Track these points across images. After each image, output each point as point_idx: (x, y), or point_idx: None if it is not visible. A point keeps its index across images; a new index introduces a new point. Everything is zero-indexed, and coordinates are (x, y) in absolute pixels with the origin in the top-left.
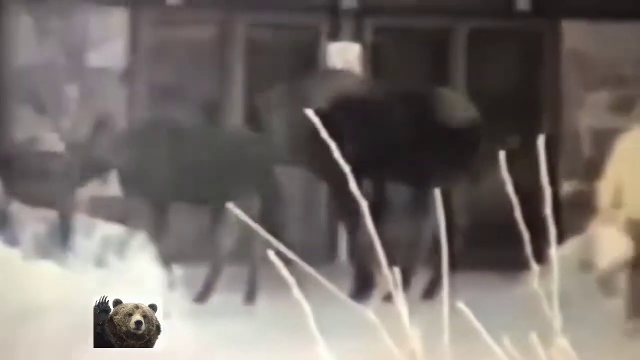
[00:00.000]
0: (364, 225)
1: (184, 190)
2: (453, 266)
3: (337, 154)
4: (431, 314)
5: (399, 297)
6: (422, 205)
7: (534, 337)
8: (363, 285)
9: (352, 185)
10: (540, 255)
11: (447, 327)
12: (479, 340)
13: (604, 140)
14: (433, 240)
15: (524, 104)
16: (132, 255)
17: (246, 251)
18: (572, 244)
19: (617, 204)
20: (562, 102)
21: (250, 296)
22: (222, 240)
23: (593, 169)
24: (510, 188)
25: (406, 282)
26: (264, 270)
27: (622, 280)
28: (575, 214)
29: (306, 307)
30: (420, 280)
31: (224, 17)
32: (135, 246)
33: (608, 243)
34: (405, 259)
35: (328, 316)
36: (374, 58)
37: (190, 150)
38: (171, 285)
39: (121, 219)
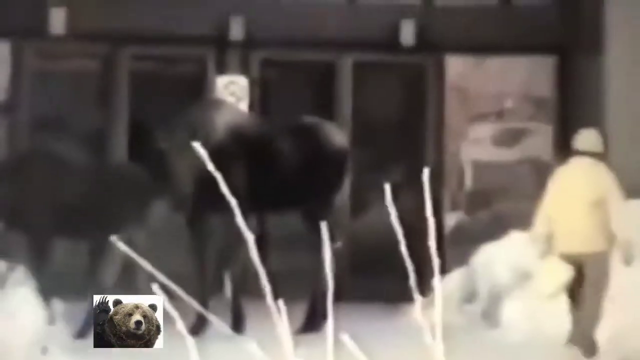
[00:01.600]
0: (247, 258)
1: (65, 223)
2: (338, 298)
3: (223, 187)
4: (315, 346)
5: (284, 330)
6: (310, 237)
7: None
8: (238, 319)
9: (239, 218)
10: (425, 287)
11: (331, 358)
12: None
13: (486, 173)
14: (318, 272)
15: (409, 136)
16: (11, 288)
17: (129, 284)
18: (456, 275)
19: (550, 234)
20: (446, 135)
21: None
22: (104, 274)
23: (475, 201)
24: (395, 219)
25: (317, 317)
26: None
27: (505, 311)
28: (459, 245)
29: (189, 340)
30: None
31: (108, 49)
32: (14, 280)
33: (548, 271)
34: (316, 293)
35: (212, 349)
36: (261, 90)
37: (71, 184)
38: (51, 320)
39: (0, 252)
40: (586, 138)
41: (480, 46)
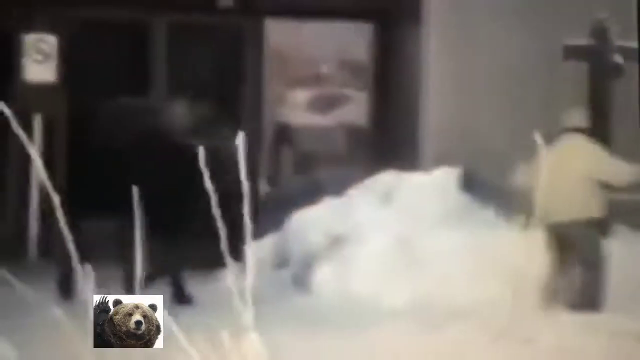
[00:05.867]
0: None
1: None
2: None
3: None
4: None
5: (90, 295)
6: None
7: (224, 334)
8: (64, 285)
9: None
10: (238, 253)
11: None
12: (172, 339)
13: (302, 138)
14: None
15: (227, 100)
16: None
17: None
18: (269, 241)
19: (547, 212)
20: (264, 99)
21: None
22: None
23: (292, 167)
24: (208, 184)
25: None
26: None
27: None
28: (274, 211)
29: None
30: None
31: None
32: None
33: (532, 248)
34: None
35: (12, 315)
36: (71, 51)
37: None
38: None
39: None
40: (575, 116)
41: (300, 10)
